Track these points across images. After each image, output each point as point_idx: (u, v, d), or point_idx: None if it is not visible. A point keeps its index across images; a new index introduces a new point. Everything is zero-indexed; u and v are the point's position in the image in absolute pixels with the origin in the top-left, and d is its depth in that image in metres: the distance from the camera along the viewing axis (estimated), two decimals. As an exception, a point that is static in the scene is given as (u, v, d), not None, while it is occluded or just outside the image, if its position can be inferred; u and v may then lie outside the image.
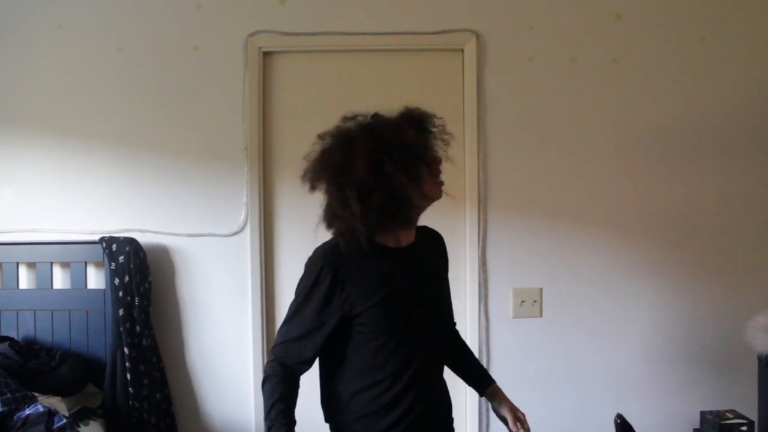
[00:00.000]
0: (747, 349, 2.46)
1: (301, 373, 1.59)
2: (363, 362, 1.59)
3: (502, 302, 2.61)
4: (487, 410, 2.61)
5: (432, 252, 1.75)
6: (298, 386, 1.58)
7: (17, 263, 2.56)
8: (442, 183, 1.57)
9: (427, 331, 1.63)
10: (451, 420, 1.76)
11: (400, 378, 1.57)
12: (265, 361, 1.61)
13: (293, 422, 1.50)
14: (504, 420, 1.73)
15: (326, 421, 1.66)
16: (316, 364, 1.64)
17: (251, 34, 2.58)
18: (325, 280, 1.52)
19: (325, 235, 1.61)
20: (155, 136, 2.60)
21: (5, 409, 2.04)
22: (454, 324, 1.85)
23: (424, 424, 1.61)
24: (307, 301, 1.55)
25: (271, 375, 1.55)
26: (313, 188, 1.56)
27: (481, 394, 1.81)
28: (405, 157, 1.48)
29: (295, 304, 1.58)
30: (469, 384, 1.84)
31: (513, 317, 2.61)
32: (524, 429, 1.69)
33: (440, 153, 1.58)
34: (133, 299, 2.45)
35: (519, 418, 1.71)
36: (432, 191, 1.55)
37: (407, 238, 1.62)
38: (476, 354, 2.55)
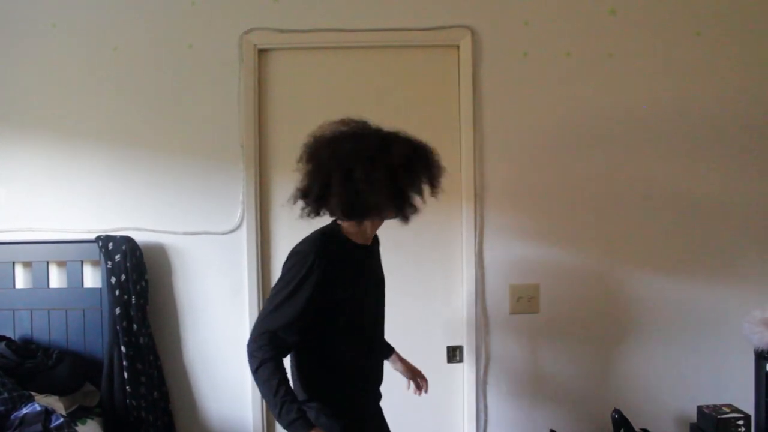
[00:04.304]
0: (744, 344, 2.47)
1: (285, 356, 1.73)
2: (339, 342, 1.80)
3: (499, 298, 2.61)
4: (485, 409, 2.62)
5: (377, 251, 2.00)
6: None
7: (13, 262, 2.55)
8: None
9: (379, 319, 1.96)
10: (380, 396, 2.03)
11: (362, 357, 1.86)
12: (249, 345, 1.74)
13: (298, 401, 1.67)
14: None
15: (306, 397, 1.82)
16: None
17: (246, 32, 2.57)
18: (317, 271, 1.68)
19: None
20: (151, 135, 2.60)
21: (2, 408, 2.04)
22: None
23: (373, 397, 1.96)
24: (298, 290, 1.68)
25: (268, 359, 1.65)
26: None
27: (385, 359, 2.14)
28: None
29: (286, 291, 1.69)
30: None
31: (510, 313, 2.61)
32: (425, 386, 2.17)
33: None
34: (129, 298, 2.45)
35: (419, 379, 2.18)
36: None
37: (370, 237, 1.89)
38: (474, 349, 2.60)
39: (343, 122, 1.80)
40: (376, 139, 1.74)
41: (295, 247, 1.78)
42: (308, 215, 1.82)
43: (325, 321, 1.76)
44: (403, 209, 1.75)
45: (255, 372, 1.66)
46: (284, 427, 1.65)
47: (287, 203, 1.86)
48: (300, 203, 1.83)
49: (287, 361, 1.74)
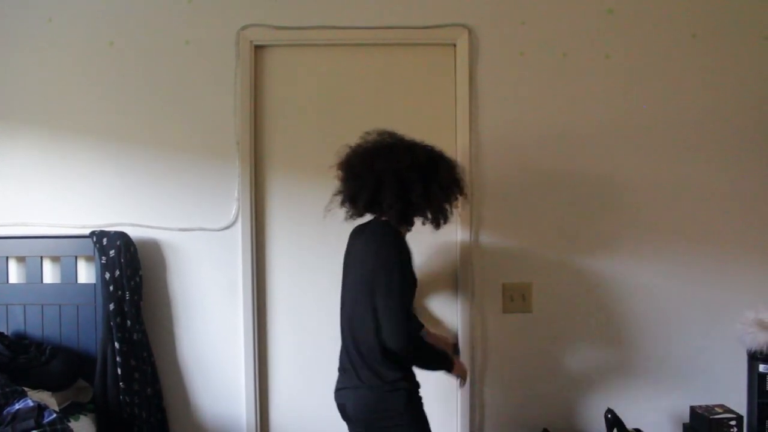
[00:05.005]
0: (737, 344, 2.48)
1: None
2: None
3: (492, 297, 2.61)
4: (479, 408, 2.63)
5: None
6: None
7: (7, 257, 2.55)
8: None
9: None
10: None
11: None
12: (395, 342, 1.92)
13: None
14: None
15: (400, 376, 1.99)
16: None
17: (243, 28, 2.57)
18: (407, 258, 1.99)
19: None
20: (146, 131, 2.59)
21: (-6, 403, 2.04)
22: None
23: None
24: (404, 278, 1.96)
25: (415, 346, 2.00)
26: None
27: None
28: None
29: (400, 286, 1.93)
30: None
31: (503, 312, 2.62)
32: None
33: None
34: (123, 294, 2.44)
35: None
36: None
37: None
38: (467, 348, 2.60)
39: (379, 134, 2.07)
40: (425, 155, 2.02)
41: (382, 247, 1.98)
42: (351, 217, 2.10)
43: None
44: (440, 218, 2.08)
45: (416, 360, 2.03)
46: (443, 369, 2.13)
47: (330, 206, 2.11)
48: (341, 206, 2.10)
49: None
